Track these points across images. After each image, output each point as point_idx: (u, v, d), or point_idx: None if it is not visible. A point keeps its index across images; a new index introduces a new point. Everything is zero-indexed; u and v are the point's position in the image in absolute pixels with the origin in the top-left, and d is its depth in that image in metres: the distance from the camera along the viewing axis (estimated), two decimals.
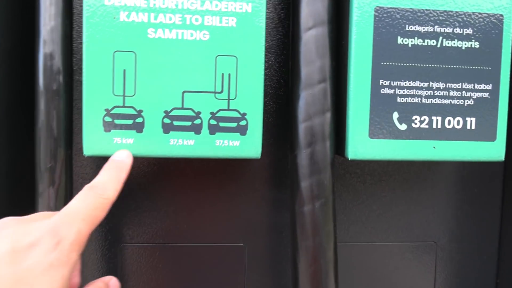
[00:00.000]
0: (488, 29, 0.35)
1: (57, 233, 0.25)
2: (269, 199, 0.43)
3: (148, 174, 0.41)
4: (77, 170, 0.40)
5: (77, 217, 0.27)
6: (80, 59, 0.39)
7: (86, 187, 0.29)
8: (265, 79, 0.41)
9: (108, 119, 0.32)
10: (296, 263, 0.35)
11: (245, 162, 0.42)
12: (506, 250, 0.45)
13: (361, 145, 0.34)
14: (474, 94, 0.35)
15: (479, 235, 0.46)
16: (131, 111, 0.33)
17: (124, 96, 0.32)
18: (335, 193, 0.36)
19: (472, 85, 0.35)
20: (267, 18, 0.41)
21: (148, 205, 0.42)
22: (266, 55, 0.41)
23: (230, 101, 0.33)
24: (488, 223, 0.46)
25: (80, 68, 0.39)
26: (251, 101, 0.33)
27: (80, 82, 0.39)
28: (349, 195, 0.44)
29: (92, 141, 0.32)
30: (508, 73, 0.36)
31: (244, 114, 0.33)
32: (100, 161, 0.40)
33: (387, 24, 0.34)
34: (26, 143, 0.38)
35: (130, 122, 0.33)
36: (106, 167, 0.31)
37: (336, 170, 0.43)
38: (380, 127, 0.34)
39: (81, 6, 0.38)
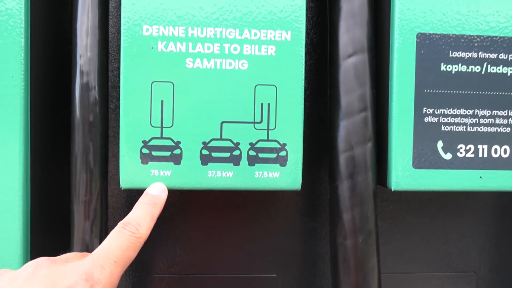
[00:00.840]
0: None
1: (90, 276, 0.25)
2: (303, 228, 0.41)
3: (181, 203, 0.40)
4: (109, 199, 0.39)
5: (109, 259, 0.26)
6: (112, 87, 0.39)
7: (120, 225, 0.29)
8: None
9: (145, 151, 0.32)
10: None
11: (280, 191, 0.41)
12: None
13: (405, 175, 0.33)
14: None
15: None
16: (169, 143, 0.32)
17: (162, 127, 0.32)
18: (379, 225, 0.34)
19: None
20: None
21: (180, 236, 0.41)
22: None
23: (270, 131, 0.32)
24: None
25: (112, 96, 0.39)
26: (291, 131, 0.33)
27: (112, 110, 0.39)
28: (385, 224, 0.42)
29: (129, 173, 0.32)
30: None
31: (284, 144, 0.33)
32: (131, 190, 0.40)
33: (430, 51, 0.33)
34: (58, 175, 0.37)
35: (167, 154, 0.32)
36: (141, 201, 0.31)
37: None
38: (424, 156, 0.33)
39: (113, 34, 0.38)
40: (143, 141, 0.32)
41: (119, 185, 0.32)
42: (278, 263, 0.41)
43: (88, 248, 0.32)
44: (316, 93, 0.41)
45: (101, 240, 0.33)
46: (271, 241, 0.41)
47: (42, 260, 0.26)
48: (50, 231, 0.38)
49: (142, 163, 0.32)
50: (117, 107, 0.38)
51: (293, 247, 0.41)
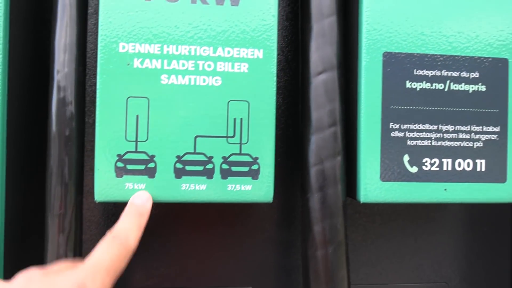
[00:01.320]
0: (494, 72, 0.36)
1: (83, 287, 0.26)
2: (278, 241, 0.42)
3: (156, 216, 0.41)
4: (85, 213, 0.40)
5: (100, 269, 0.27)
6: (91, 102, 0.39)
7: (109, 236, 0.29)
8: None
9: (120, 164, 0.32)
10: None
11: (254, 204, 0.41)
12: None
13: (373, 188, 0.34)
14: (483, 136, 0.36)
15: (490, 274, 0.45)
16: (143, 156, 0.33)
17: (136, 141, 0.33)
18: (348, 237, 0.35)
19: (481, 127, 0.36)
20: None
21: (156, 248, 0.41)
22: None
23: (242, 145, 0.33)
24: (498, 262, 0.45)
25: (90, 111, 0.39)
26: (263, 145, 0.34)
27: (90, 124, 0.39)
28: (358, 236, 0.43)
29: (104, 187, 0.32)
30: None
31: (256, 158, 0.34)
32: (107, 204, 0.40)
33: (396, 69, 0.35)
34: (34, 187, 0.38)
35: (142, 167, 0.33)
36: (127, 212, 0.31)
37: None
38: (391, 170, 0.35)
39: (93, 50, 0.39)
40: (118, 155, 0.32)
41: None
42: (254, 275, 0.42)
43: (62, 260, 0.33)
44: (291, 109, 0.42)
45: (75, 253, 0.33)
46: (247, 254, 0.42)
47: (34, 272, 0.27)
48: (25, 243, 0.38)
49: (117, 176, 0.32)
50: (95, 121, 0.39)
51: (268, 259, 0.42)
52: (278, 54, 0.42)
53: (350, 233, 0.43)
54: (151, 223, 0.40)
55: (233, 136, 0.33)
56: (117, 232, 0.29)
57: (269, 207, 0.42)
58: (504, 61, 0.36)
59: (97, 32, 0.40)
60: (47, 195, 0.33)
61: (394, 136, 0.35)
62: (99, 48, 0.32)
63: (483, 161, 0.36)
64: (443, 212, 0.45)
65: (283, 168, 0.42)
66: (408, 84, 0.35)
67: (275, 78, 0.34)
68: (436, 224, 0.44)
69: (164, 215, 0.41)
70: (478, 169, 0.36)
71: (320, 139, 0.35)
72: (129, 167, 0.32)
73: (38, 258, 0.35)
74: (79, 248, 0.34)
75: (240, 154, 0.33)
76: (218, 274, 0.42)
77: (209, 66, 0.33)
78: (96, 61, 0.40)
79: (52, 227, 0.33)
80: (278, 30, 0.42)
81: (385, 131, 0.35)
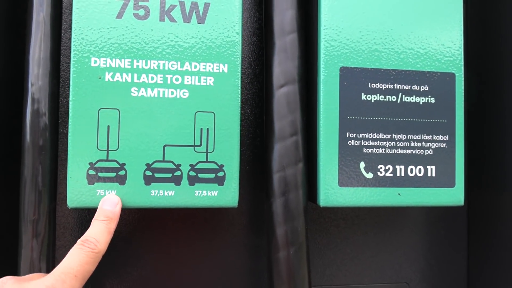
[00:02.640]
0: (442, 86, 0.39)
1: None
2: (247, 245, 0.44)
3: (127, 222, 0.42)
4: (59, 220, 0.41)
5: (70, 274, 0.29)
6: (65, 113, 0.41)
7: (79, 242, 0.31)
8: (242, 130, 0.44)
9: (92, 172, 0.34)
10: None
11: (223, 209, 0.44)
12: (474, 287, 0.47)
13: (332, 193, 0.37)
14: (433, 145, 0.39)
15: (448, 274, 0.48)
16: (114, 164, 0.34)
17: (108, 150, 0.34)
18: (309, 238, 0.37)
19: (431, 136, 0.38)
20: (243, 74, 0.44)
21: (127, 254, 0.42)
22: (242, 108, 0.44)
23: (209, 153, 0.36)
24: (455, 262, 0.48)
25: (64, 122, 0.41)
26: (228, 154, 0.36)
27: (64, 135, 0.41)
28: (323, 239, 0.45)
29: (76, 193, 0.34)
30: (462, 125, 0.39)
31: (222, 165, 0.36)
32: (81, 211, 0.42)
33: (352, 82, 0.38)
34: (8, 195, 0.39)
35: (113, 175, 0.34)
36: (97, 217, 0.33)
37: (311, 215, 0.45)
38: (348, 176, 0.37)
39: (67, 63, 0.41)
40: (90, 163, 0.34)
41: None
42: (223, 278, 0.44)
43: (34, 265, 0.34)
44: (258, 119, 0.44)
45: (48, 258, 0.35)
46: (217, 258, 0.44)
47: (7, 279, 0.29)
48: (1, 252, 0.39)
49: (89, 183, 0.34)
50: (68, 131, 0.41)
51: (237, 263, 0.44)
52: (246, 68, 0.44)
53: (316, 237, 0.45)
54: (124, 229, 0.42)
55: (200, 145, 0.35)
56: (86, 238, 0.31)
57: (238, 212, 0.44)
58: (452, 75, 0.39)
59: (71, 46, 0.41)
60: (21, 202, 0.34)
61: (351, 145, 0.37)
62: (72, 62, 0.34)
63: (433, 167, 0.38)
64: (403, 216, 0.47)
65: (252, 176, 0.44)
66: (363, 97, 0.38)
67: (239, 91, 0.36)
68: (396, 228, 0.47)
69: (136, 221, 0.42)
70: (429, 175, 0.38)
71: (283, 148, 0.37)
72: (101, 174, 0.34)
73: (11, 263, 0.36)
74: (52, 253, 0.36)
75: (206, 162, 0.36)
76: (188, 278, 0.43)
77: (177, 79, 0.35)
78: (69, 74, 0.41)
79: (25, 232, 0.34)
80: (246, 45, 0.44)
81: (343, 140, 0.37)
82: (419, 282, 0.48)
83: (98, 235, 0.32)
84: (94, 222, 0.33)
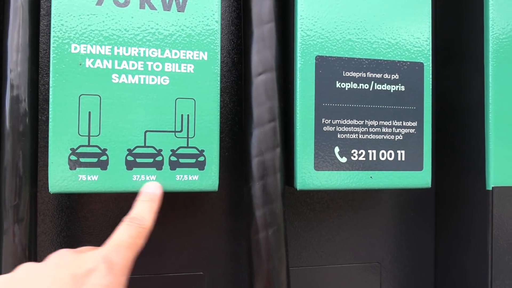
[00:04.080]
0: (411, 74, 0.41)
1: (109, 260, 0.29)
2: (227, 228, 0.46)
3: (109, 208, 0.43)
4: (40, 206, 0.41)
5: (123, 245, 0.31)
6: (44, 100, 0.41)
7: (127, 219, 0.33)
8: (221, 117, 0.45)
9: (73, 157, 0.35)
10: (252, 287, 0.38)
11: (204, 194, 0.45)
12: (441, 267, 0.50)
13: (308, 177, 0.39)
14: (403, 130, 0.41)
15: (417, 253, 0.51)
16: (96, 150, 0.35)
17: (89, 136, 0.35)
18: (287, 220, 0.39)
19: (401, 122, 0.41)
20: (222, 62, 0.45)
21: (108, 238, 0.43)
22: (221, 96, 0.45)
23: (189, 139, 0.37)
24: (424, 242, 0.51)
25: (44, 108, 0.41)
26: (208, 139, 0.37)
27: (43, 121, 0.41)
28: (300, 222, 0.47)
29: (58, 179, 0.34)
30: (430, 111, 0.41)
31: (202, 151, 0.37)
32: (61, 197, 0.42)
33: (327, 70, 0.39)
34: None
35: (95, 160, 0.35)
36: (141, 199, 0.35)
37: (288, 200, 0.46)
38: (323, 160, 0.39)
39: (46, 50, 0.41)
40: (71, 149, 0.35)
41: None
42: (204, 261, 0.45)
43: (17, 250, 0.35)
44: (237, 106, 0.45)
45: (30, 242, 0.35)
46: (198, 241, 0.45)
47: (64, 251, 0.30)
48: None
49: (70, 169, 0.35)
50: (49, 118, 0.41)
51: (217, 246, 0.45)
52: (225, 56, 0.45)
53: (293, 221, 0.47)
54: (106, 214, 0.43)
55: (181, 131, 0.36)
56: (133, 215, 0.33)
57: (218, 197, 0.45)
58: (420, 65, 0.41)
59: (49, 33, 0.41)
60: (2, 187, 0.34)
61: (326, 130, 0.39)
62: (52, 49, 0.34)
63: (403, 151, 0.41)
64: (376, 199, 0.50)
65: (231, 161, 0.45)
66: (338, 84, 0.39)
67: (219, 78, 0.37)
68: (369, 211, 0.49)
69: (117, 205, 0.43)
70: (399, 159, 0.41)
71: (261, 133, 0.38)
72: (82, 160, 0.35)
73: None
74: (34, 238, 0.36)
75: (187, 147, 0.37)
76: (170, 261, 0.44)
77: (157, 66, 0.36)
78: (49, 61, 0.41)
79: (7, 218, 0.34)
80: (225, 34, 0.45)
81: (318, 126, 0.39)
82: (390, 261, 0.50)
83: (143, 213, 0.33)
84: (138, 203, 0.34)
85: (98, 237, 0.43)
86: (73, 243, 0.42)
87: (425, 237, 0.51)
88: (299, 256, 0.47)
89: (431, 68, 0.41)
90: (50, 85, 0.34)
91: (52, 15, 0.34)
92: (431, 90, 0.41)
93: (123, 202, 0.43)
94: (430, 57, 0.41)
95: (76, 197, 0.42)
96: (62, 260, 0.29)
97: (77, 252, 0.31)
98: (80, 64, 0.35)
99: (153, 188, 0.35)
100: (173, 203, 0.44)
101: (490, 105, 0.43)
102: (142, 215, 0.33)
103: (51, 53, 0.34)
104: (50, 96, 0.34)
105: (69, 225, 0.42)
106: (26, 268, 0.29)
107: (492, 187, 0.43)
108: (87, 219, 0.42)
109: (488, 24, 0.43)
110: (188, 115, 0.37)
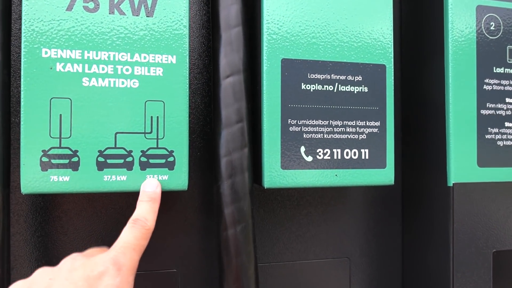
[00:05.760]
0: (374, 76, 0.43)
1: (117, 262, 0.32)
2: (199, 226, 0.47)
3: (83, 205, 0.44)
4: (13, 207, 0.42)
5: (129, 247, 0.33)
6: (17, 102, 0.42)
7: (131, 221, 0.34)
8: (193, 118, 0.46)
9: (45, 159, 0.36)
10: (222, 282, 0.40)
11: (177, 193, 0.46)
12: (407, 261, 0.53)
13: (275, 175, 0.40)
14: (366, 130, 0.43)
15: (385, 248, 0.53)
16: (67, 152, 0.36)
17: (60, 138, 0.36)
18: (255, 218, 0.41)
19: (364, 122, 0.42)
20: (193, 65, 0.46)
21: (80, 237, 0.44)
22: (193, 97, 0.46)
23: (159, 140, 0.38)
24: (391, 237, 0.53)
25: (16, 111, 0.42)
26: (178, 140, 0.38)
27: (16, 124, 0.42)
28: (271, 220, 0.49)
29: (30, 180, 0.35)
30: (393, 111, 0.43)
31: (172, 151, 0.38)
32: (35, 198, 0.43)
33: (292, 73, 0.41)
34: None
35: (66, 161, 0.36)
36: (141, 199, 0.36)
37: (259, 198, 0.48)
38: (290, 159, 0.40)
39: (18, 53, 0.42)
40: (43, 151, 0.36)
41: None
42: (178, 258, 0.46)
43: None
44: (208, 108, 0.47)
45: (2, 241, 0.36)
46: (171, 239, 0.46)
47: (75, 255, 0.33)
48: None
49: (42, 170, 0.36)
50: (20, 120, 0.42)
51: (190, 244, 0.47)
52: (196, 59, 0.46)
53: (264, 217, 0.49)
54: (78, 214, 0.44)
55: (150, 132, 0.38)
56: (136, 216, 0.35)
57: (191, 196, 0.46)
58: (382, 67, 0.43)
59: (21, 37, 0.42)
60: None
61: (292, 131, 0.41)
62: (23, 53, 0.35)
63: (366, 150, 0.43)
64: (344, 196, 0.52)
65: (203, 161, 0.47)
66: (303, 86, 0.41)
67: (187, 81, 0.38)
68: (338, 207, 0.51)
69: (90, 207, 0.44)
70: (363, 157, 0.42)
71: (229, 134, 0.40)
72: (54, 161, 0.36)
73: None
74: (7, 238, 0.37)
75: (157, 148, 0.38)
76: (144, 259, 0.45)
77: (127, 70, 0.37)
78: (21, 64, 0.42)
79: None
80: (196, 37, 0.46)
81: (284, 126, 0.40)
82: (359, 256, 0.52)
83: (146, 214, 0.35)
84: (140, 204, 0.36)
85: (72, 237, 0.44)
86: (47, 243, 0.43)
87: (393, 232, 0.53)
88: (269, 253, 0.49)
89: (393, 70, 0.43)
90: (22, 88, 0.35)
91: (23, 20, 0.35)
92: (393, 91, 0.43)
93: (96, 201, 0.44)
94: (392, 59, 0.43)
95: (50, 197, 0.43)
96: (75, 264, 0.32)
97: (87, 255, 0.33)
98: (51, 68, 0.36)
99: (153, 186, 0.37)
100: None
101: (450, 104, 0.45)
102: (145, 216, 0.35)
103: (22, 57, 0.35)
104: (22, 99, 0.35)
105: (43, 225, 0.43)
106: (42, 273, 0.31)
107: (453, 184, 0.45)
108: (61, 219, 0.43)
109: (448, 27, 0.45)
110: (157, 117, 0.38)
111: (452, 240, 0.45)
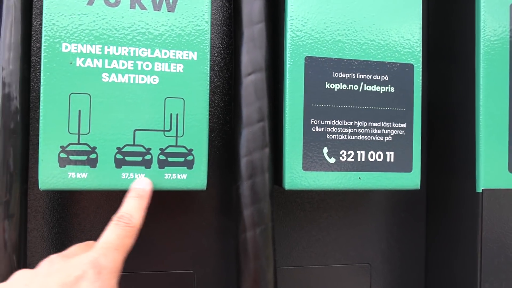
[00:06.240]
0: (401, 76, 0.41)
1: (97, 264, 0.29)
2: (217, 227, 0.46)
3: (99, 205, 0.43)
4: (31, 203, 0.42)
5: (111, 247, 0.31)
6: (37, 98, 0.41)
7: (115, 219, 0.33)
8: (212, 117, 0.45)
9: (63, 155, 0.35)
10: (240, 285, 0.38)
11: (195, 192, 0.45)
12: (431, 269, 0.51)
13: (296, 177, 0.39)
14: (392, 132, 0.41)
15: (408, 254, 0.51)
16: (85, 148, 0.35)
17: (79, 134, 0.35)
18: (275, 220, 0.39)
19: (390, 123, 0.41)
20: (213, 62, 0.45)
21: (100, 233, 0.43)
22: (212, 95, 0.45)
23: (178, 138, 0.37)
24: (415, 245, 0.51)
25: (36, 106, 0.41)
26: (197, 138, 0.37)
27: (35, 119, 0.42)
28: (290, 222, 0.48)
29: (48, 176, 0.35)
30: (420, 113, 0.42)
31: (191, 150, 0.37)
32: (53, 194, 0.42)
33: (316, 71, 0.39)
34: None
35: (84, 158, 0.35)
36: (129, 195, 0.35)
37: (278, 199, 0.47)
38: (312, 160, 0.39)
39: (39, 48, 0.41)
40: (61, 147, 0.35)
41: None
42: (195, 259, 0.45)
43: (7, 245, 0.35)
44: (228, 106, 0.46)
45: (19, 237, 0.36)
46: (188, 240, 0.45)
47: (54, 257, 0.31)
48: None
49: (60, 166, 0.35)
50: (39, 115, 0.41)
51: (208, 244, 0.46)
52: (216, 56, 0.45)
53: (283, 220, 0.47)
54: (95, 212, 0.43)
55: (170, 130, 0.37)
56: (121, 214, 0.33)
57: (209, 196, 0.46)
58: (410, 66, 0.41)
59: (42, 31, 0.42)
60: None
61: (314, 131, 0.39)
62: (43, 48, 0.35)
63: (392, 153, 0.41)
64: (366, 200, 0.50)
65: (222, 160, 0.46)
66: (327, 85, 0.40)
67: (208, 78, 0.37)
68: (360, 211, 0.50)
69: (107, 204, 0.43)
70: (388, 160, 0.41)
71: (250, 133, 0.39)
72: (72, 157, 0.35)
73: None
74: (24, 233, 0.37)
75: (176, 146, 0.37)
76: (160, 259, 0.45)
77: (147, 66, 0.37)
78: (41, 59, 0.42)
79: None
80: (217, 34, 0.45)
81: (307, 126, 0.39)
82: (380, 262, 0.50)
83: (131, 211, 0.33)
84: (127, 200, 0.34)
85: (88, 234, 0.43)
86: (64, 239, 0.43)
87: (416, 238, 0.51)
88: (288, 256, 0.48)
89: (421, 69, 0.42)
90: (41, 83, 0.35)
91: (44, 15, 0.35)
92: (421, 92, 0.42)
93: (114, 199, 0.43)
94: (421, 59, 0.42)
95: (67, 194, 0.43)
96: (52, 269, 0.30)
97: (66, 256, 0.31)
98: (71, 63, 0.35)
99: (142, 184, 0.35)
100: (164, 202, 0.44)
101: (481, 107, 0.43)
102: (130, 213, 0.33)
103: (42, 52, 0.35)
104: (41, 94, 0.35)
105: (60, 222, 0.43)
106: (20, 277, 0.30)
107: (482, 190, 0.43)
108: (78, 216, 0.43)
109: (480, 26, 0.43)
110: (177, 114, 0.37)
111: (480, 249, 0.43)
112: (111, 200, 0.43)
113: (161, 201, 0.44)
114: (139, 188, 0.35)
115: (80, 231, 0.43)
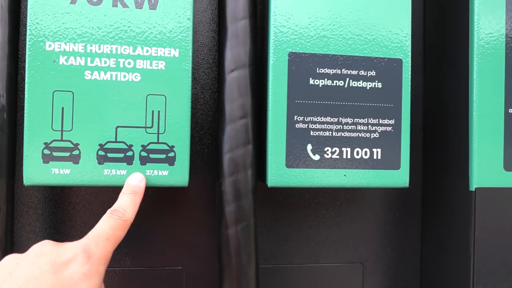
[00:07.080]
0: (389, 71, 0.40)
1: (88, 250, 0.31)
2: (206, 223, 0.46)
3: (90, 199, 0.44)
4: (23, 199, 0.43)
5: (102, 237, 0.32)
6: (24, 98, 0.42)
7: (109, 211, 0.34)
8: (201, 114, 0.45)
9: (47, 151, 0.36)
10: (221, 282, 0.38)
11: (182, 190, 0.45)
12: (426, 269, 0.49)
13: (279, 174, 0.38)
14: (379, 128, 0.40)
15: (402, 254, 0.50)
16: (68, 144, 0.36)
17: (62, 131, 0.36)
18: (258, 217, 0.39)
19: (377, 120, 0.40)
20: (202, 60, 0.45)
21: (84, 231, 0.44)
22: (201, 93, 0.45)
23: (160, 135, 0.37)
24: (409, 244, 0.50)
25: (23, 106, 0.42)
26: (179, 135, 0.37)
27: (23, 116, 0.42)
28: (280, 219, 0.47)
29: (32, 172, 0.36)
30: (409, 109, 0.41)
31: (172, 146, 0.37)
32: (44, 190, 0.43)
33: (300, 67, 0.39)
34: None
35: (67, 154, 0.36)
36: (123, 191, 0.36)
37: (266, 196, 0.46)
38: (295, 157, 0.39)
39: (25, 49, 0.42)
40: (45, 143, 0.36)
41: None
42: (178, 255, 0.45)
43: None
44: (216, 103, 0.46)
45: (6, 232, 0.37)
46: (176, 236, 0.45)
47: (46, 241, 0.32)
48: None
49: (44, 162, 0.36)
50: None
51: (195, 241, 0.46)
52: (205, 54, 0.45)
53: (272, 218, 0.47)
54: (83, 207, 0.44)
55: (151, 127, 0.37)
56: (115, 208, 0.34)
57: (198, 193, 0.46)
58: (399, 61, 0.40)
59: None
60: None
61: (298, 128, 0.39)
62: (27, 46, 0.36)
63: (379, 150, 0.40)
64: (359, 198, 0.49)
65: (211, 158, 0.46)
66: (311, 81, 0.39)
67: (190, 75, 0.38)
68: (352, 209, 0.49)
69: (91, 200, 0.44)
70: (375, 157, 0.40)
71: (232, 130, 0.39)
72: (55, 154, 0.36)
73: None
74: (11, 228, 0.37)
75: (157, 142, 0.37)
76: (150, 256, 0.45)
77: (129, 63, 0.37)
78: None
79: None
80: (206, 31, 0.45)
81: (290, 123, 0.39)
82: (373, 262, 0.50)
83: (125, 206, 0.34)
84: (121, 196, 0.35)
85: (80, 230, 0.44)
86: (55, 235, 0.44)
87: (410, 238, 0.50)
88: (278, 254, 0.47)
89: (410, 65, 0.41)
90: (26, 81, 0.35)
91: (28, 14, 0.36)
92: (409, 88, 0.41)
93: (103, 195, 0.44)
94: (410, 54, 0.41)
95: (59, 190, 0.44)
96: (43, 250, 0.31)
97: (59, 243, 0.32)
98: (54, 61, 0.36)
99: (137, 180, 0.36)
100: (152, 198, 0.45)
101: (474, 106, 0.42)
102: (124, 208, 0.34)
103: (27, 50, 0.36)
104: (25, 92, 0.35)
105: (51, 217, 0.44)
106: (10, 258, 0.31)
107: (475, 188, 0.42)
108: (68, 212, 0.44)
109: (473, 26, 0.42)
110: (159, 111, 0.37)
111: (473, 249, 0.42)
112: (100, 196, 0.44)
113: (150, 197, 0.45)
114: (133, 184, 0.36)
115: (71, 226, 0.44)
